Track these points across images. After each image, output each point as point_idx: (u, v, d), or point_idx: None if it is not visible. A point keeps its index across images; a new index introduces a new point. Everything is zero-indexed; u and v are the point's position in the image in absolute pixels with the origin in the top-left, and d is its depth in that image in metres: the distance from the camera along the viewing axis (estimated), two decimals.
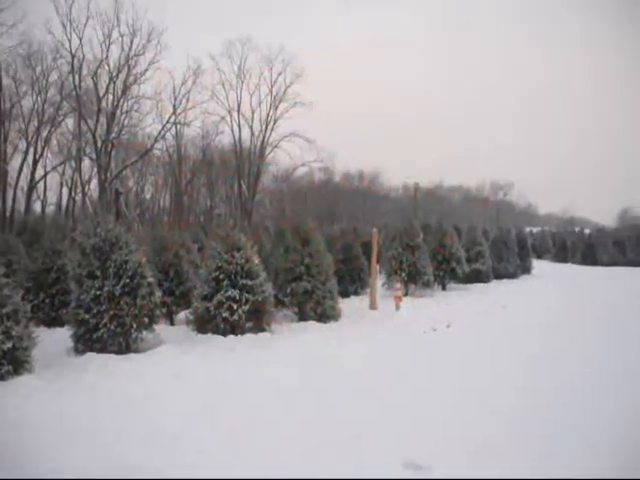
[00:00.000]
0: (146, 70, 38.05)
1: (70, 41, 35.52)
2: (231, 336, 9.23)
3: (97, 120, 36.74)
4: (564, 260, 39.78)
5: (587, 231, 46.37)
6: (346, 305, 12.63)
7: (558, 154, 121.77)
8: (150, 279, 8.65)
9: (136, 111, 39.65)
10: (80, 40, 35.75)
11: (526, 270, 25.49)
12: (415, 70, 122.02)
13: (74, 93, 35.86)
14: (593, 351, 8.78)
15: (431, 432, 5.03)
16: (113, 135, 37.30)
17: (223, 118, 45.88)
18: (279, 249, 11.72)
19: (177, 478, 4.16)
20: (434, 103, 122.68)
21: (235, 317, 9.27)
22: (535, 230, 55.24)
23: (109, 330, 8.03)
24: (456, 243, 19.06)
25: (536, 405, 5.87)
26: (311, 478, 4.14)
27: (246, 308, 9.36)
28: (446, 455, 4.53)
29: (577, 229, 52.04)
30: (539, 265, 29.54)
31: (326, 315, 11.18)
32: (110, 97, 37.71)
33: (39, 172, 39.00)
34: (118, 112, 38.03)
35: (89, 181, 41.53)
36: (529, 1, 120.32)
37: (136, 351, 8.28)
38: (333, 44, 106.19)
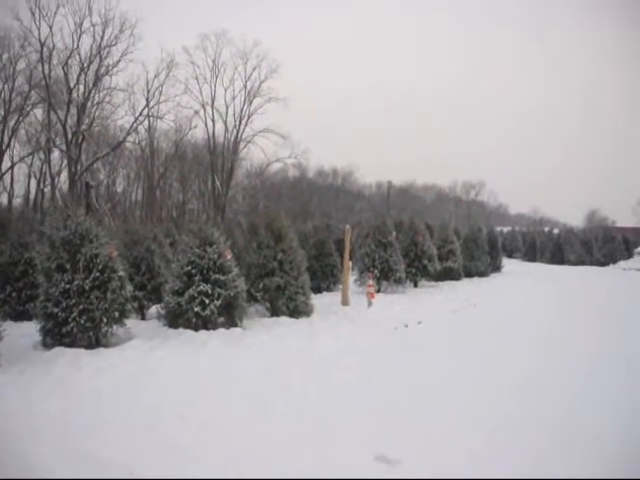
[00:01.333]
0: (118, 61, 37.63)
1: (39, 29, 34.84)
2: (203, 331, 9.19)
3: (67, 111, 36.12)
4: (533, 259, 40.76)
5: (556, 231, 47.58)
6: (318, 301, 12.67)
7: (531, 156, 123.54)
8: (121, 273, 8.56)
9: (108, 103, 39.19)
10: (50, 28, 35.12)
11: (496, 268, 25.92)
12: (390, 68, 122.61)
13: (43, 83, 35.15)
14: (556, 344, 8.97)
15: (403, 427, 5.08)
16: (84, 127, 36.70)
17: (197, 112, 45.70)
18: (252, 245, 11.69)
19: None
20: (408, 101, 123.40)
21: (207, 312, 9.24)
22: (506, 229, 56.18)
23: (79, 324, 7.91)
24: (428, 241, 19.26)
25: (509, 398, 5.98)
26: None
27: (218, 303, 9.33)
28: (417, 450, 4.58)
29: (546, 229, 53.34)
30: (509, 264, 30.06)
31: (298, 311, 11.21)
32: (81, 88, 37.16)
33: (6, 163, 38.22)
34: (89, 103, 37.49)
35: (59, 173, 40.81)
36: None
37: (106, 345, 8.20)
38: (310, 40, 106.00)
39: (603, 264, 35.74)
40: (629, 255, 36.13)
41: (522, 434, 4.91)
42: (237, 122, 47.12)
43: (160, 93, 40.71)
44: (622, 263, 34.11)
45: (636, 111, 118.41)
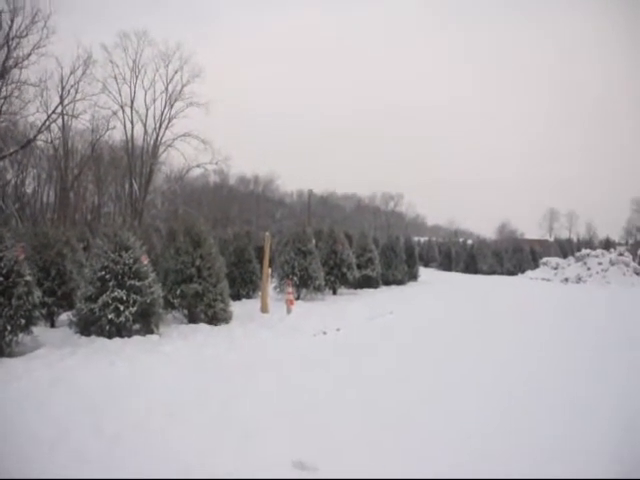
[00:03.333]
0: (29, 54, 35.42)
1: None
2: (117, 338, 8.89)
3: None
4: (449, 268, 42.44)
5: (470, 242, 49.67)
6: (238, 308, 12.57)
7: (448, 170, 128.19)
8: (28, 278, 8.14)
9: (17, 98, 36.86)
10: None
11: (413, 277, 26.70)
12: (313, 78, 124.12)
13: None
14: (467, 347, 9.37)
15: (320, 432, 5.13)
16: None
17: (115, 113, 44.06)
18: (170, 250, 11.44)
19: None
20: (330, 112, 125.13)
21: (122, 319, 8.94)
22: (423, 240, 58.11)
23: None
24: (347, 249, 19.57)
25: (429, 402, 6.16)
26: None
27: (133, 309, 9.06)
28: (332, 455, 4.64)
29: (461, 240, 55.63)
30: (425, 273, 31.05)
31: (217, 318, 11.07)
32: None
33: None
34: None
35: None
36: None
37: (11, 355, 7.75)
38: (235, 47, 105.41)
39: (513, 273, 37.95)
40: (535, 265, 38.26)
41: (429, 441, 5.10)
42: (157, 125, 45.94)
43: (76, 91, 38.78)
44: (529, 272, 36.13)
45: (546, 131, 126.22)
